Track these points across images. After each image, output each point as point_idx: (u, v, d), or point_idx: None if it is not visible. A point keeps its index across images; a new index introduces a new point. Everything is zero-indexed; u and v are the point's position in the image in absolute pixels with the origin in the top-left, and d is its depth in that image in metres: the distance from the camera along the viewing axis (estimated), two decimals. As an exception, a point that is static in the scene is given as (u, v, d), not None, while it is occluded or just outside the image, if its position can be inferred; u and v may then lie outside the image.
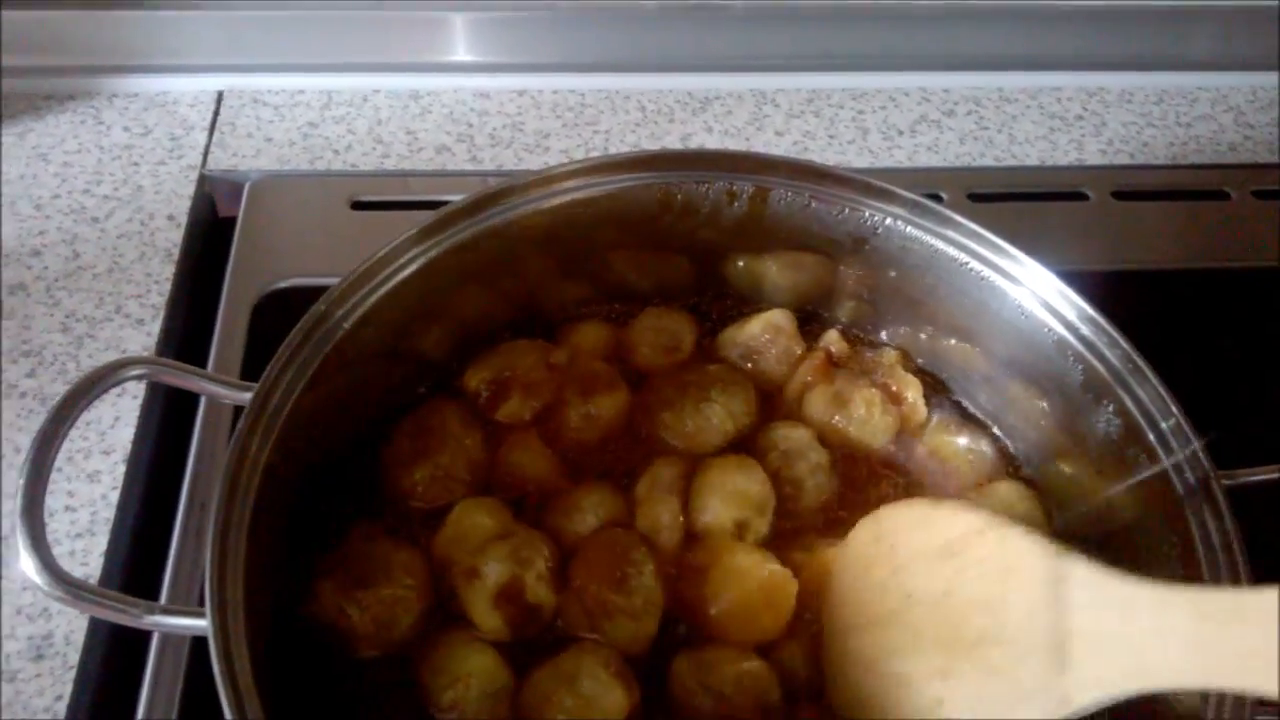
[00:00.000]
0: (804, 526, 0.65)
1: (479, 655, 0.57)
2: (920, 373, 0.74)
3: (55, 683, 0.63)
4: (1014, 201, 0.95)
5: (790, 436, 0.67)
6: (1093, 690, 0.50)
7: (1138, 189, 0.97)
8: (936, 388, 0.74)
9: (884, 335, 0.75)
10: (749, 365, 0.72)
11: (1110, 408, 0.62)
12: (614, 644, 0.58)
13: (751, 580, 0.59)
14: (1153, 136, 1.03)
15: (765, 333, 0.72)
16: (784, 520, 0.65)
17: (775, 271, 0.74)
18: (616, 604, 0.59)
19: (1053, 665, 0.51)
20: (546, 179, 0.67)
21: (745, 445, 0.68)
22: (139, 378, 0.56)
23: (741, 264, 0.74)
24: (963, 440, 0.70)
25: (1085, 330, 0.63)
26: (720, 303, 0.76)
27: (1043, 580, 0.52)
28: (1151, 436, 0.59)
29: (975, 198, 0.94)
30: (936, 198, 0.85)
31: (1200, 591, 0.49)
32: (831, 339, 0.73)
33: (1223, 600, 0.47)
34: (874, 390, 0.70)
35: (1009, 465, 0.70)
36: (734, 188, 0.69)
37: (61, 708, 0.62)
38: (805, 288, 0.75)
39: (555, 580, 0.60)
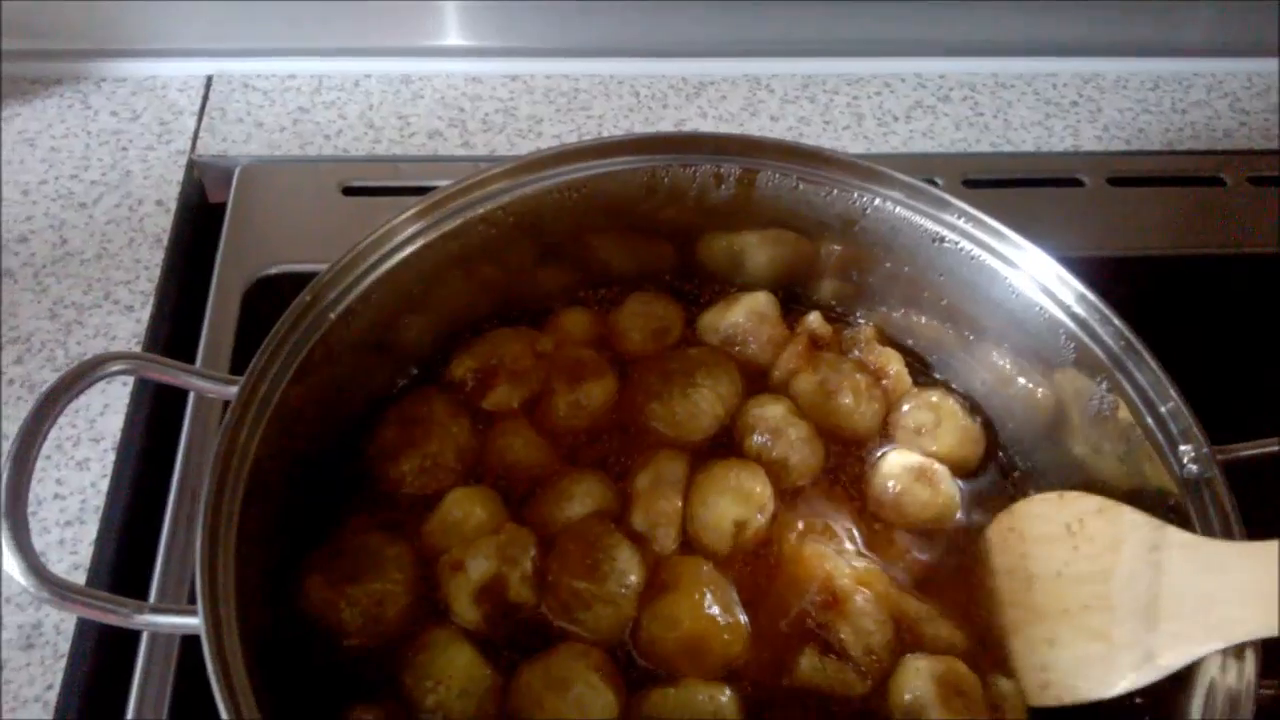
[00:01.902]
0: (796, 501, 0.66)
1: (458, 655, 0.57)
2: (907, 353, 0.73)
3: (45, 672, 0.63)
4: (1009, 187, 0.95)
5: (767, 415, 0.67)
6: (1179, 647, 0.53)
7: (1133, 175, 0.97)
8: (923, 369, 0.74)
9: (865, 314, 0.75)
10: (735, 349, 0.71)
11: (1105, 387, 0.62)
12: (596, 633, 0.58)
13: (684, 628, 0.58)
14: (1148, 123, 1.02)
15: (748, 318, 0.71)
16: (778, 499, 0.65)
17: (756, 250, 0.73)
18: (592, 592, 0.58)
19: (1143, 624, 0.55)
20: (531, 164, 0.66)
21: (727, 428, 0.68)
22: (122, 373, 0.56)
23: (724, 244, 0.73)
24: (948, 422, 0.69)
25: (1082, 313, 0.63)
26: (709, 287, 0.76)
27: (1145, 548, 0.56)
28: (1147, 416, 0.60)
29: (970, 183, 0.94)
30: (932, 183, 0.84)
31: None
32: (814, 321, 0.72)
33: None
34: (860, 377, 0.69)
35: (998, 446, 0.71)
36: (721, 170, 0.68)
37: (52, 696, 0.62)
38: (788, 268, 0.74)
39: (540, 579, 0.60)
